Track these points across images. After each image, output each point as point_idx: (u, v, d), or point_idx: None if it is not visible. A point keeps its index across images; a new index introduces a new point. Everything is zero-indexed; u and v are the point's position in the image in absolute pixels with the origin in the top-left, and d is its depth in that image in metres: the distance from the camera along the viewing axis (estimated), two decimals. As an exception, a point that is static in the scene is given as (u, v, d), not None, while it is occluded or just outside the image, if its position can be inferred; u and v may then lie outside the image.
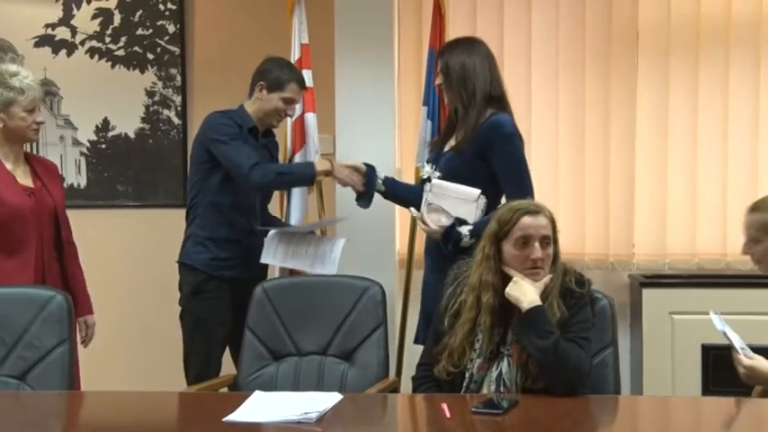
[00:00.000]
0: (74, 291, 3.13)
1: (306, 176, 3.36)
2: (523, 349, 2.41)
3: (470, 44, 3.11)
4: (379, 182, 3.27)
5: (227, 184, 3.31)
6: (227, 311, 3.33)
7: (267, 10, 4.17)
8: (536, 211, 2.49)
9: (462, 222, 2.93)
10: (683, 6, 4.14)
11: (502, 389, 2.41)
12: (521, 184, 2.92)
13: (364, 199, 3.28)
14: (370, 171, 3.26)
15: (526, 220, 2.47)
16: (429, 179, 3.05)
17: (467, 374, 2.47)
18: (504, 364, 2.44)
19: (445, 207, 2.95)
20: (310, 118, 3.81)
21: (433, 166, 3.08)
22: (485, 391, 2.44)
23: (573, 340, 2.40)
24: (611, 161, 4.22)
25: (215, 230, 3.34)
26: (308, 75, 3.82)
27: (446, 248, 2.93)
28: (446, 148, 3.10)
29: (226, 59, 3.64)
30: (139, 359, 4.04)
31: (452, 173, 3.00)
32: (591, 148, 4.22)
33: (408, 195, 3.30)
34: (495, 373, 2.44)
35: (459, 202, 2.94)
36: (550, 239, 2.48)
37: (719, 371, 3.74)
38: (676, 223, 4.19)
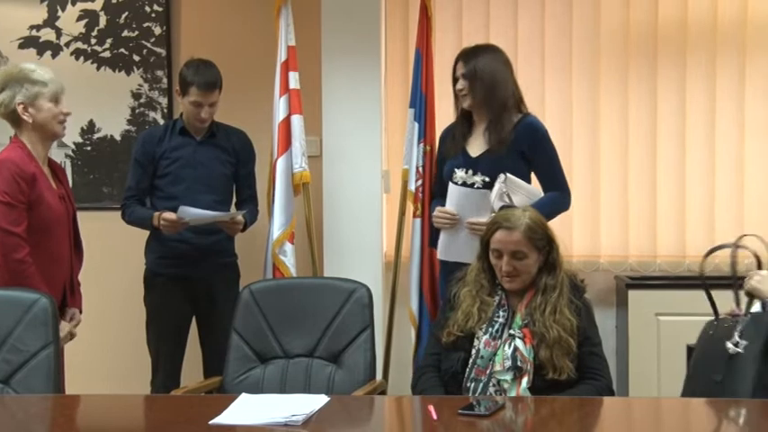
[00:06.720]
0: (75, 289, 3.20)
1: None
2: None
3: (494, 52, 3.33)
4: None
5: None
6: (173, 305, 3.52)
7: (254, 12, 4.16)
8: (510, 227, 2.67)
9: None
10: (670, 10, 4.14)
11: (519, 363, 2.56)
12: (559, 180, 3.30)
13: None
14: None
15: (498, 235, 2.69)
16: (465, 183, 3.24)
17: (473, 351, 2.62)
18: (519, 343, 2.59)
19: (515, 202, 3.10)
20: (296, 120, 3.81)
21: (467, 171, 3.24)
22: (498, 368, 2.57)
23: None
24: (602, 164, 4.20)
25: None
26: (294, 77, 3.82)
27: None
28: (474, 153, 3.28)
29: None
30: (125, 361, 4.02)
31: (497, 174, 3.18)
32: (579, 152, 4.21)
33: None
34: (509, 351, 2.58)
35: (526, 199, 3.14)
36: (524, 254, 2.64)
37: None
38: (666, 225, 4.18)
